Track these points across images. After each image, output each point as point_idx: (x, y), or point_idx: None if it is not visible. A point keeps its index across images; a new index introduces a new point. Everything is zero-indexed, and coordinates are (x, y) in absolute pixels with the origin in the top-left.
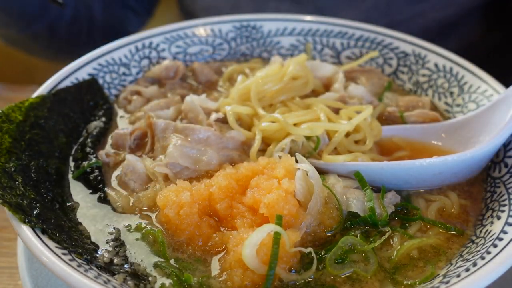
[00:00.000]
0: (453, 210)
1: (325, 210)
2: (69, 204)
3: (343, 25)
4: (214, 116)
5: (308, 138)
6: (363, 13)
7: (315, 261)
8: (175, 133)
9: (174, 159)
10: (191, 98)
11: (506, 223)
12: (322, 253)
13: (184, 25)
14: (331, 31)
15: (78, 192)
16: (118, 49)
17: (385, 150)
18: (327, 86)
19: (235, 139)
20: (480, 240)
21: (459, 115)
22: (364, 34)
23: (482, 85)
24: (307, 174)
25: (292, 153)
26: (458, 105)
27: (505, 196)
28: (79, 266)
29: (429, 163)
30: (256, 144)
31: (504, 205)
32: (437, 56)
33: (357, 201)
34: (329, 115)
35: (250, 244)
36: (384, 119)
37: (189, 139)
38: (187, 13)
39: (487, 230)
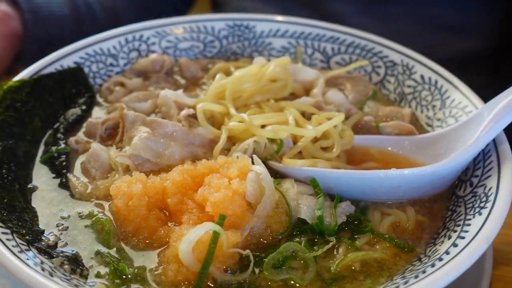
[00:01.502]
0: (408, 226)
1: (274, 214)
2: (30, 186)
3: (335, 30)
4: (184, 112)
5: (273, 140)
6: (388, 35)
7: (251, 264)
8: (143, 126)
9: (137, 151)
10: (165, 92)
11: (453, 244)
12: (263, 257)
13: (176, 20)
14: (323, 35)
15: (42, 175)
16: (108, 40)
17: (356, 159)
18: (308, 91)
19: (202, 136)
20: (425, 259)
21: (438, 129)
22: (355, 40)
23: (464, 100)
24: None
25: (255, 153)
26: (438, 119)
27: (462, 216)
28: (15, 246)
29: (386, 174)
30: (220, 143)
31: (458, 225)
32: (424, 68)
33: (307, 208)
34: (298, 119)
35: (187, 240)
36: (360, 127)
37: (155, 133)
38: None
39: (435, 249)
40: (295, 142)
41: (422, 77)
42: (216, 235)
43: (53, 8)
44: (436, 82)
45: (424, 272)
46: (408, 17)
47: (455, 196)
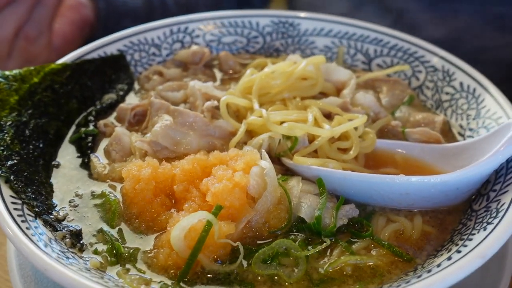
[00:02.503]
0: (412, 235)
1: (274, 209)
2: (54, 163)
3: (379, 31)
4: (208, 103)
5: (288, 137)
6: (454, 32)
7: (240, 256)
8: (166, 114)
9: (156, 137)
10: (194, 83)
11: (448, 257)
12: (255, 250)
13: (222, 14)
14: (367, 36)
15: (68, 154)
16: (153, 30)
17: (377, 163)
18: (339, 91)
19: (222, 128)
20: (420, 271)
21: (468, 140)
22: (398, 43)
23: (498, 110)
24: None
25: (270, 149)
26: (471, 129)
27: (469, 231)
28: (20, 215)
29: (393, 180)
30: (238, 136)
31: (462, 239)
32: (465, 75)
33: (308, 207)
34: (318, 118)
35: (180, 226)
36: (386, 132)
37: (176, 122)
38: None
39: (433, 262)
40: (312, 141)
41: (461, 84)
42: (209, 225)
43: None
44: (474, 90)
45: (407, 282)
46: (476, 15)
47: (471, 209)
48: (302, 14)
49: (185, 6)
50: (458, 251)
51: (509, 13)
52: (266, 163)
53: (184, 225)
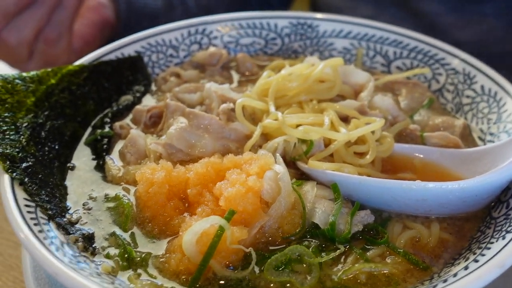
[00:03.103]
0: (428, 242)
1: (288, 215)
2: (69, 165)
3: (399, 33)
4: (224, 105)
5: (304, 141)
6: (478, 34)
7: (253, 262)
8: (181, 116)
9: (171, 140)
10: (210, 85)
11: (465, 266)
12: (268, 256)
13: (240, 16)
14: (387, 38)
15: (83, 155)
16: (170, 32)
17: (395, 168)
18: (357, 94)
19: (238, 131)
20: (436, 280)
21: (489, 144)
22: (418, 45)
23: None
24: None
25: (285, 153)
26: (491, 134)
27: (487, 239)
28: (33, 218)
29: (409, 186)
30: (253, 139)
31: (480, 248)
32: (486, 78)
33: (322, 213)
34: (334, 122)
35: (192, 231)
36: (405, 136)
37: (191, 124)
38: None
39: (450, 271)
40: (328, 145)
41: (482, 87)
42: (221, 230)
43: (147, 1)
44: (495, 94)
45: None
46: (501, 18)
47: (490, 217)
48: (321, 15)
49: (206, 7)
50: (476, 260)
51: None
52: (281, 168)
53: (196, 230)
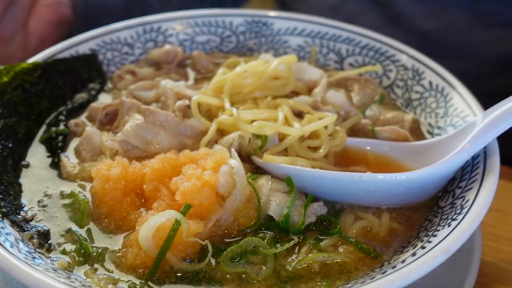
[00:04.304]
0: (379, 232)
1: (243, 208)
2: (23, 163)
3: (351, 31)
4: (179, 102)
5: (258, 136)
6: (441, 24)
7: (209, 254)
8: (137, 113)
9: (127, 137)
10: (165, 82)
11: (412, 254)
12: (224, 249)
13: (195, 14)
14: (339, 36)
15: (38, 153)
16: (125, 29)
17: (348, 161)
18: (311, 90)
19: (194, 127)
20: (386, 267)
21: (436, 137)
22: (370, 42)
23: (466, 109)
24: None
25: (240, 148)
26: (439, 127)
27: (434, 227)
28: None
29: (360, 178)
30: (208, 134)
31: (427, 235)
32: (434, 74)
33: (277, 205)
34: (288, 117)
35: (148, 225)
36: (357, 130)
37: (147, 121)
38: (282, 4)
39: (399, 258)
40: (282, 139)
41: (430, 83)
42: (177, 223)
43: None
44: (443, 89)
45: (372, 278)
46: (463, 9)
47: (437, 206)
48: (275, 13)
49: (166, 1)
50: (423, 247)
51: (494, 10)
52: (236, 162)
53: (152, 224)
